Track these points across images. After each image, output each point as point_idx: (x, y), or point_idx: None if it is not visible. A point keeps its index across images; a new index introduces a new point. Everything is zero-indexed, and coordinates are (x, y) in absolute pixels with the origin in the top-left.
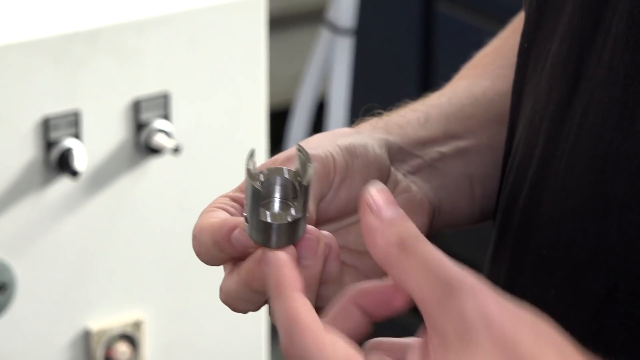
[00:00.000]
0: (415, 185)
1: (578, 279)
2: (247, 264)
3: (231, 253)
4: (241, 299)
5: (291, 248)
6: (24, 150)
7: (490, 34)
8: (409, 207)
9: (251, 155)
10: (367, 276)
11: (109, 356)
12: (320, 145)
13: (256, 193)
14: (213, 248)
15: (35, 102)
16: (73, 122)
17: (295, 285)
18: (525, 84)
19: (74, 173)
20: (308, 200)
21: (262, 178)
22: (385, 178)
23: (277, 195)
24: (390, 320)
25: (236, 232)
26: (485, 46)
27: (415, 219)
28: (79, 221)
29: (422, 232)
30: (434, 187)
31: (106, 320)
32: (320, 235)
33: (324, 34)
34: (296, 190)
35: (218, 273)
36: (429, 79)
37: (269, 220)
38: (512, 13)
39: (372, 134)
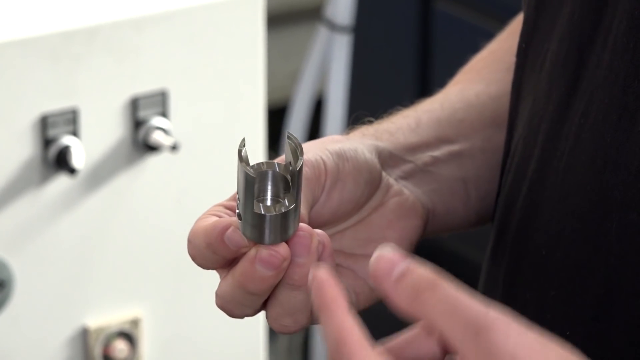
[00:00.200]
0: (408, 190)
1: (578, 280)
2: (241, 264)
3: (225, 254)
4: (237, 302)
5: (284, 246)
6: (22, 147)
7: (488, 32)
8: (402, 210)
9: (243, 143)
10: (364, 279)
11: (107, 354)
12: (309, 150)
13: (249, 182)
14: (206, 250)
15: (33, 99)
16: (71, 120)
17: (343, 304)
18: (523, 84)
19: (72, 171)
20: (300, 189)
21: (253, 173)
22: (376, 182)
23: (269, 191)
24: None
25: (229, 230)
26: (481, 48)
27: (408, 223)
28: (77, 219)
29: (416, 235)
30: (427, 191)
31: (104, 317)
32: (313, 232)
33: (322, 32)
34: (288, 185)
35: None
36: (426, 77)
37: (262, 212)
38: (510, 11)
39: (361, 140)
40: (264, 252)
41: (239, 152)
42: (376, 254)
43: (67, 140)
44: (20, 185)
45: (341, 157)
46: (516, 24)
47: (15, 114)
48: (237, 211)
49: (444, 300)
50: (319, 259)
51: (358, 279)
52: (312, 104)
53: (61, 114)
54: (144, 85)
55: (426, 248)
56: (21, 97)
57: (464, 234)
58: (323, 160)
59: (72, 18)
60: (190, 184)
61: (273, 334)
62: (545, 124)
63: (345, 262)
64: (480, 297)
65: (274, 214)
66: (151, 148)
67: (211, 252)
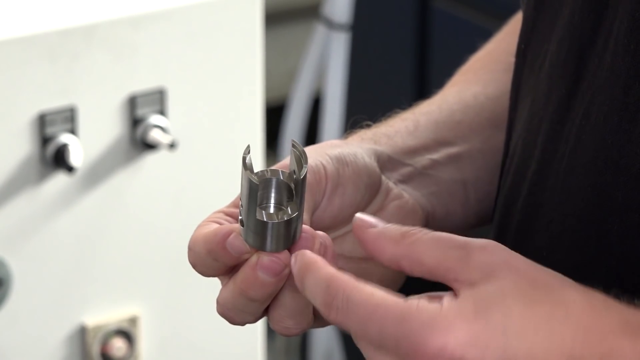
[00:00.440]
0: (407, 193)
1: (578, 281)
2: (243, 271)
3: (226, 261)
4: (238, 309)
5: (286, 253)
6: (19, 146)
7: (486, 30)
8: (401, 214)
9: (248, 150)
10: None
11: (105, 352)
12: (309, 155)
13: (253, 188)
14: (207, 257)
15: (30, 97)
16: (69, 118)
17: (323, 261)
18: (522, 85)
19: (69, 169)
20: (304, 197)
21: (257, 180)
22: (376, 186)
23: (272, 198)
24: None
25: (231, 237)
26: (479, 47)
27: (408, 226)
28: (75, 217)
29: None
30: (426, 194)
31: (102, 315)
32: (315, 234)
33: (320, 30)
34: (292, 193)
35: None
36: (424, 75)
37: (264, 219)
38: (508, 9)
39: (360, 144)
40: (266, 258)
41: (243, 159)
42: (358, 214)
43: (64, 138)
44: (18, 184)
45: (341, 161)
46: (513, 23)
47: (13, 112)
48: (240, 218)
49: (431, 235)
50: None
51: None
52: (310, 102)
53: (59, 112)
54: (142, 83)
55: None
56: (19, 95)
57: (464, 235)
58: (323, 165)
59: (69, 16)
60: (188, 182)
61: (271, 333)
62: (545, 125)
63: (346, 266)
64: None
65: (277, 221)
66: (149, 146)
67: (212, 259)
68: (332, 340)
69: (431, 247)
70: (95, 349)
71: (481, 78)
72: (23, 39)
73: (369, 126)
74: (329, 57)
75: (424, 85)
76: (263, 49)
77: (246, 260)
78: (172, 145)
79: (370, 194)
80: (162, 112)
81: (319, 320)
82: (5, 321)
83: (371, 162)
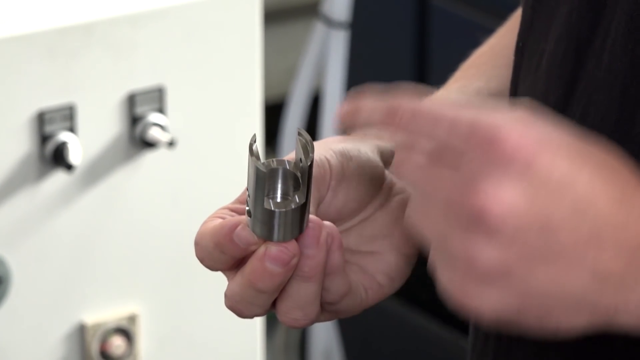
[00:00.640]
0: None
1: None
2: (251, 262)
3: (233, 253)
4: (246, 302)
5: (293, 243)
6: (19, 144)
7: (485, 27)
8: (405, 208)
9: (254, 138)
10: (371, 274)
11: (104, 350)
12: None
13: (260, 176)
14: (215, 250)
15: (30, 95)
16: (68, 116)
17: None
18: (520, 84)
19: (69, 167)
20: (310, 186)
21: (264, 167)
22: (380, 180)
23: (279, 189)
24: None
25: (239, 228)
26: (478, 44)
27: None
28: (74, 215)
29: None
30: None
31: (101, 313)
32: (322, 224)
33: (319, 28)
34: (298, 183)
35: None
36: (424, 73)
37: (272, 208)
38: (506, 7)
39: (363, 140)
40: (273, 248)
41: (250, 147)
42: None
43: (64, 136)
44: (17, 182)
45: (345, 156)
46: (516, 18)
47: (12, 110)
48: (247, 208)
49: (440, 107)
50: (329, 250)
51: (366, 275)
52: (309, 100)
53: (58, 110)
54: (141, 82)
55: None
56: (18, 94)
57: None
58: (327, 160)
59: (68, 14)
60: (187, 180)
61: (270, 331)
62: None
63: (352, 259)
64: None
65: (284, 210)
66: (148, 144)
67: (220, 251)
68: (331, 339)
69: (441, 122)
70: (94, 347)
71: (484, 73)
72: (22, 37)
73: None
74: (328, 55)
75: (423, 83)
76: (262, 47)
77: (253, 252)
78: (171, 144)
79: (374, 188)
80: (161, 110)
81: (324, 313)
82: (4, 319)
83: (374, 156)
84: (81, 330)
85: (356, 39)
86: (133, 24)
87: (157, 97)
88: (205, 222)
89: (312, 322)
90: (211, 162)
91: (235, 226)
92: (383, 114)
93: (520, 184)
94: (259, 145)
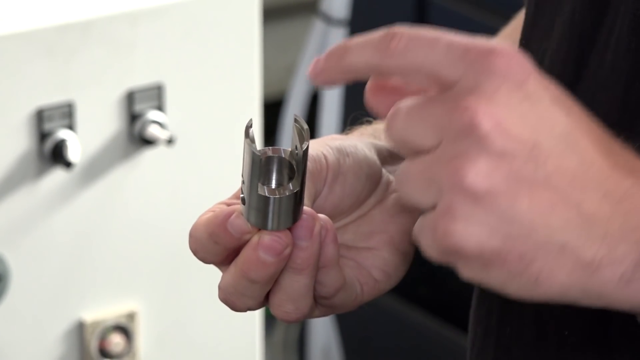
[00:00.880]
0: None
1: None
2: (244, 252)
3: (227, 243)
4: (239, 293)
5: (287, 232)
6: (17, 141)
7: (485, 25)
8: (402, 205)
9: (250, 123)
10: (367, 270)
11: (103, 347)
12: (310, 146)
13: (255, 161)
14: (208, 241)
15: (28, 93)
16: (67, 114)
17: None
18: None
19: (67, 164)
20: (305, 175)
21: (260, 152)
22: (376, 177)
23: (274, 177)
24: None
25: (233, 217)
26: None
27: (409, 217)
28: (73, 212)
29: None
30: None
31: (100, 311)
32: (316, 216)
33: (318, 25)
34: (294, 172)
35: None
36: None
37: (266, 194)
38: (506, 5)
39: (360, 138)
40: (267, 237)
41: (247, 130)
42: None
43: (62, 134)
44: (16, 179)
45: (342, 152)
46: (521, 17)
47: (11, 108)
48: (242, 196)
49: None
50: (323, 243)
51: (362, 270)
52: (308, 97)
53: (57, 107)
54: (140, 79)
55: None
56: (17, 91)
57: None
58: (324, 155)
59: (67, 12)
60: (186, 177)
61: (269, 328)
62: None
63: (348, 254)
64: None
65: (278, 197)
66: (147, 142)
67: (213, 242)
68: (330, 336)
69: (436, 49)
70: (93, 345)
71: None
72: (21, 35)
73: (369, 122)
74: None
75: None
76: (261, 44)
77: (247, 242)
78: (170, 141)
79: (370, 185)
80: (160, 107)
81: (319, 308)
82: (3, 317)
83: (371, 154)
84: (80, 328)
85: (355, 36)
86: (132, 22)
87: (156, 95)
88: (201, 216)
89: (305, 316)
90: (210, 159)
91: (229, 215)
92: (376, 45)
93: (513, 100)
94: (258, 143)
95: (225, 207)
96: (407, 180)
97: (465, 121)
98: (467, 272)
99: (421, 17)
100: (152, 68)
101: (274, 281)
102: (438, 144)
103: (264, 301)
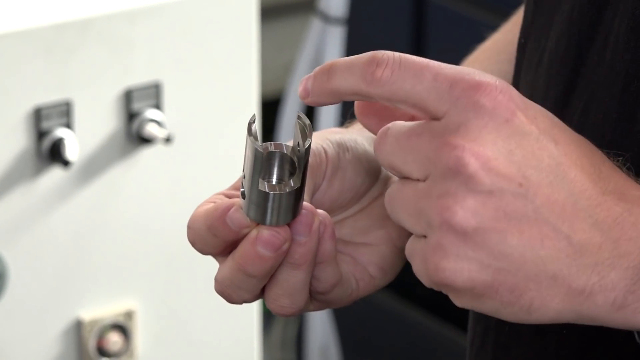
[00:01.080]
0: None
1: None
2: (242, 246)
3: (225, 236)
4: (236, 286)
5: (285, 228)
6: (15, 140)
7: (482, 24)
8: None
9: (253, 118)
10: (364, 266)
11: (101, 346)
12: None
13: (257, 156)
14: (207, 233)
15: (26, 92)
16: (64, 112)
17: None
18: (521, 80)
19: (65, 163)
20: (306, 172)
21: (262, 148)
22: (376, 172)
23: (275, 173)
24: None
25: (232, 210)
26: (475, 41)
27: None
28: (71, 211)
29: None
30: None
31: (98, 310)
32: (315, 212)
33: (316, 24)
34: (295, 168)
35: (210, 262)
36: None
37: (267, 189)
38: (504, 4)
39: (360, 132)
40: (265, 232)
41: (249, 126)
42: None
43: (60, 132)
44: (13, 178)
45: (341, 146)
46: (520, 14)
47: (9, 107)
48: (242, 190)
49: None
50: (321, 239)
51: (358, 266)
52: None
53: (55, 106)
54: (138, 78)
55: None
56: (15, 90)
57: None
58: (324, 149)
59: (65, 10)
60: (183, 176)
61: (267, 327)
62: None
63: (344, 249)
64: None
65: (278, 193)
66: (145, 140)
67: (212, 234)
68: (328, 334)
69: (420, 79)
70: (91, 343)
71: (487, 68)
72: (19, 34)
73: None
74: (324, 51)
75: None
76: (259, 43)
77: (245, 237)
78: (167, 140)
79: (370, 179)
80: (157, 106)
81: (314, 303)
82: (1, 315)
83: (371, 149)
84: (78, 327)
85: (353, 35)
86: (130, 20)
87: (153, 93)
88: (199, 207)
89: (300, 311)
90: (208, 158)
91: (228, 208)
92: (361, 72)
93: (500, 137)
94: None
95: (224, 198)
96: (397, 205)
97: (452, 161)
98: (460, 302)
99: (419, 15)
100: (150, 66)
101: (271, 275)
102: (425, 177)
103: (260, 294)
